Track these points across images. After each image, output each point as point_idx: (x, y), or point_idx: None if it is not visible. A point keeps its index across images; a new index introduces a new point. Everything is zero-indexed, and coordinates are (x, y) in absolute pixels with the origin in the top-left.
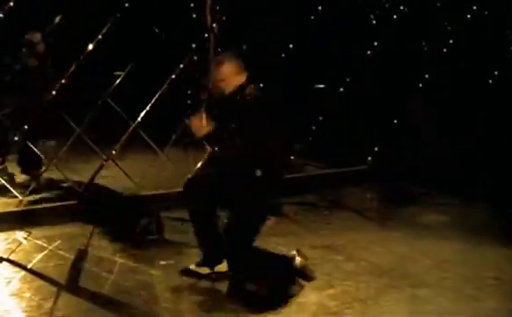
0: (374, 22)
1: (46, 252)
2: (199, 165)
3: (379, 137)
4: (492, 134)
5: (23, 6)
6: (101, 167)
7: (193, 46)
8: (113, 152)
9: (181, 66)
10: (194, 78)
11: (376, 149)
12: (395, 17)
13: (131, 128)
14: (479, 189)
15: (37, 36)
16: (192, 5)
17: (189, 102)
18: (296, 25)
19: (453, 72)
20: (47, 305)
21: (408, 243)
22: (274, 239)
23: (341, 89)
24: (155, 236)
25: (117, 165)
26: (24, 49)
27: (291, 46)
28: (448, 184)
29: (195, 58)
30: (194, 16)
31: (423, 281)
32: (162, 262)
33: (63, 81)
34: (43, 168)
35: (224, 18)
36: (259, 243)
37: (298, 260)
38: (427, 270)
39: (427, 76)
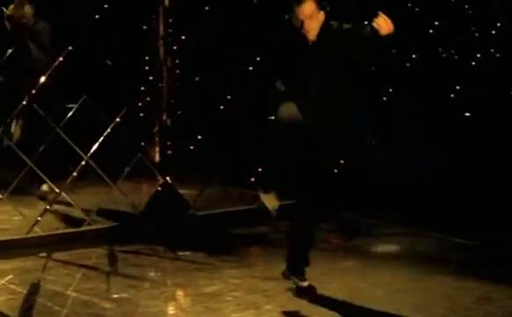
0: None
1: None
2: None
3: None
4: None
5: None
6: (54, 200)
7: (149, 78)
8: (65, 184)
9: (135, 99)
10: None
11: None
12: None
13: (84, 160)
14: (429, 219)
15: None
16: (146, 37)
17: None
18: None
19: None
20: None
21: (360, 274)
22: (229, 272)
23: None
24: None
25: (70, 199)
26: None
27: None
28: (397, 213)
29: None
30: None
31: (376, 312)
32: (115, 296)
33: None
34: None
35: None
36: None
37: None
38: (379, 301)
39: None
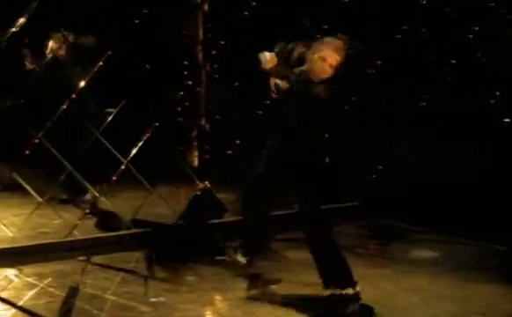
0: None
1: (37, 289)
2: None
3: (368, 174)
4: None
5: None
6: (93, 204)
7: (186, 83)
8: (105, 189)
9: (173, 103)
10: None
11: (365, 185)
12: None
13: (123, 165)
14: (468, 225)
15: None
16: (185, 42)
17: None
18: None
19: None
20: None
21: (397, 280)
22: (267, 277)
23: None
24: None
25: (109, 203)
26: None
27: None
28: (437, 220)
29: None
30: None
31: None
32: (152, 299)
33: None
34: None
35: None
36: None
37: None
38: (415, 307)
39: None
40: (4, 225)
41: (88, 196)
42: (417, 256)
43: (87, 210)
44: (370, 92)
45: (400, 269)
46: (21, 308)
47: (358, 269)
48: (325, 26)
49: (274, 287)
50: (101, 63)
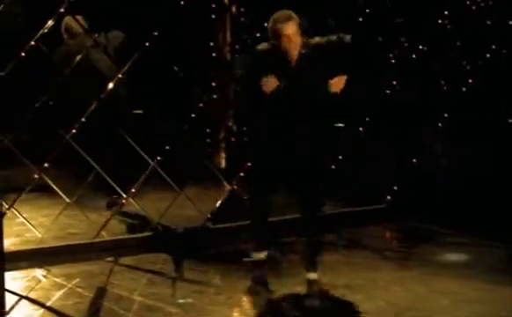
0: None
1: (65, 290)
2: None
3: (397, 176)
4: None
5: None
6: (121, 206)
7: (213, 85)
8: (133, 191)
9: (200, 105)
10: (214, 117)
11: (394, 187)
12: (413, 56)
13: (151, 166)
14: (497, 228)
15: None
16: (211, 44)
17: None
18: None
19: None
20: None
21: (426, 282)
22: (295, 280)
23: (360, 128)
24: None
25: (136, 204)
26: None
27: None
28: (466, 222)
29: (215, 97)
30: (214, 55)
31: None
32: (180, 301)
33: (83, 119)
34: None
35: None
36: (277, 285)
37: None
38: (444, 310)
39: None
40: (33, 226)
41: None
42: (446, 259)
43: (114, 212)
44: (397, 91)
45: (429, 272)
46: (49, 308)
47: (387, 272)
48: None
49: (300, 289)
50: (129, 65)
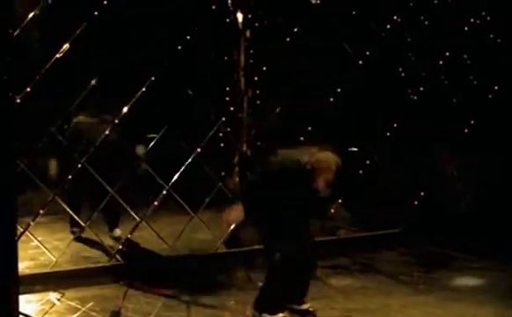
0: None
1: (79, 313)
2: None
3: (411, 200)
4: None
5: None
6: (135, 229)
7: (228, 109)
8: (147, 214)
9: (214, 129)
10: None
11: (408, 212)
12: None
13: (165, 189)
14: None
15: None
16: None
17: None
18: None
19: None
20: None
21: (442, 307)
22: (310, 304)
23: (375, 156)
24: None
25: (150, 226)
26: None
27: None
28: (481, 247)
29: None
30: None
31: None
32: None
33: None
34: (77, 231)
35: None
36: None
37: None
38: None
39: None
40: (48, 249)
41: (117, 233)
42: (461, 283)
43: (128, 235)
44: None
45: (447, 297)
46: None
47: (402, 296)
48: None
49: (317, 314)
50: (143, 89)
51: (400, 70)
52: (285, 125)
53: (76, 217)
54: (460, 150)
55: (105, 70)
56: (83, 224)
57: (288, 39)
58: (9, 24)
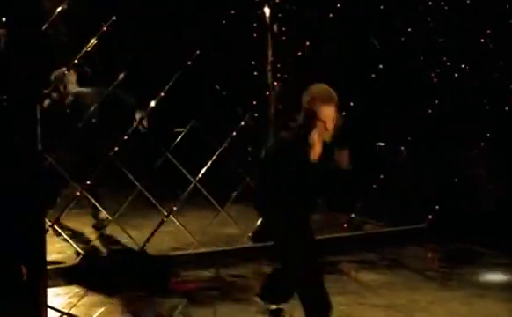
0: (434, 80)
1: (106, 306)
2: None
3: (439, 195)
4: None
5: None
6: (161, 223)
7: (254, 103)
8: (174, 208)
9: (242, 123)
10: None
11: (436, 207)
12: (456, 75)
13: (192, 184)
14: None
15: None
16: (253, 63)
17: (250, 159)
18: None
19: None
20: None
21: (469, 304)
22: (337, 299)
23: (402, 147)
24: None
25: (178, 221)
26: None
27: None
28: (509, 243)
29: (256, 115)
30: (256, 73)
31: None
32: None
33: (126, 137)
34: (104, 224)
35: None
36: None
37: None
38: None
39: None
40: (75, 243)
41: (102, 216)
42: (488, 280)
43: (154, 229)
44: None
45: (472, 293)
46: None
47: (428, 292)
48: None
49: (342, 308)
50: (171, 83)
51: (432, 74)
52: None
53: (103, 211)
54: (488, 149)
55: (133, 64)
56: (109, 218)
57: (315, 32)
58: (38, 20)
